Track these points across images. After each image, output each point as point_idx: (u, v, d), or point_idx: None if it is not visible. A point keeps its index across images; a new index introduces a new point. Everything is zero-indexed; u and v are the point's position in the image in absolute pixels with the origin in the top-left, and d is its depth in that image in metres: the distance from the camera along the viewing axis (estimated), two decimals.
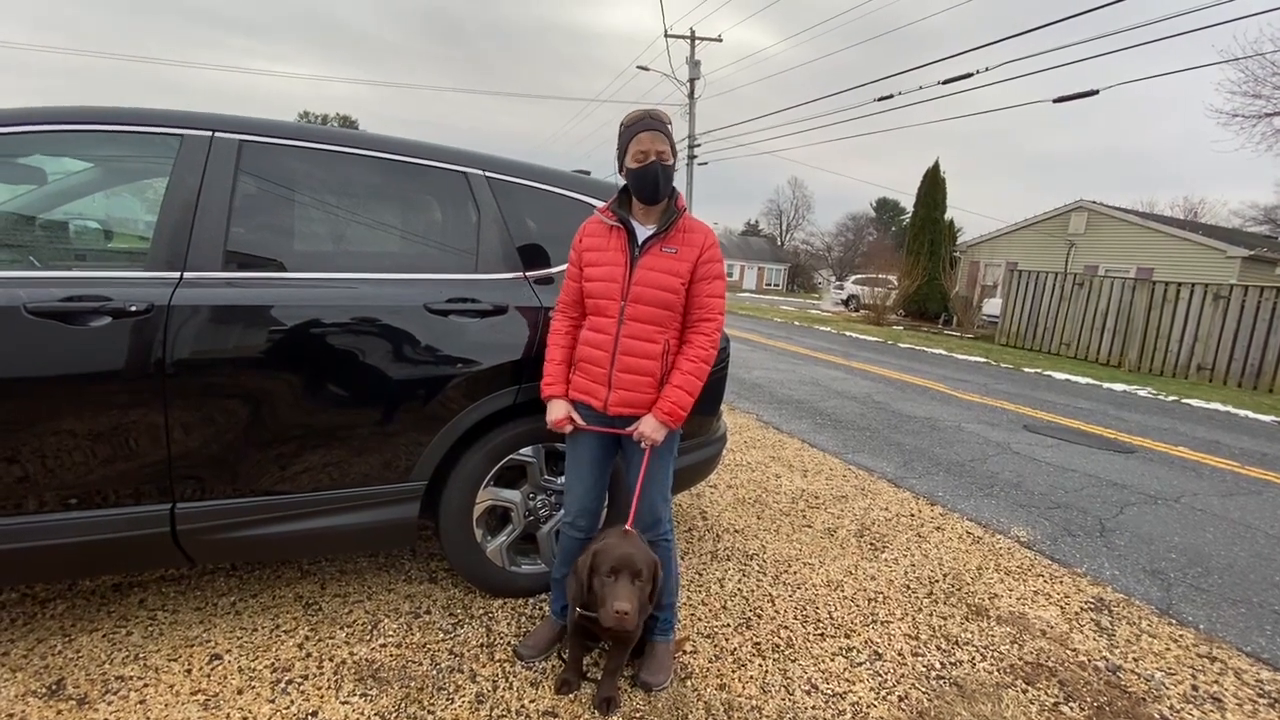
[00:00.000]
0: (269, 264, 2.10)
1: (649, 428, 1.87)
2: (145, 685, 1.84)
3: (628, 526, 1.88)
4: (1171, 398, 9.49)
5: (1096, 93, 10.97)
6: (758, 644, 2.29)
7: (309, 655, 2.03)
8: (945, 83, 12.88)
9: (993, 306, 18.85)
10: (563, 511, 2.16)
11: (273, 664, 1.98)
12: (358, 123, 58.42)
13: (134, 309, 1.78)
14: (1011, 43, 11.00)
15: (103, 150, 2.20)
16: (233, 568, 2.52)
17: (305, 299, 2.02)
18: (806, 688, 2.07)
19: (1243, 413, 8.59)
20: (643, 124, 1.85)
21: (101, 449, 1.79)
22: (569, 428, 1.98)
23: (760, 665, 2.17)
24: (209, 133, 1.98)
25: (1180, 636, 2.60)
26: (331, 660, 2.02)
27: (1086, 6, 9.75)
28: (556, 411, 1.98)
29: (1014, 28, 10.65)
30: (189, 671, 1.91)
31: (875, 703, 2.03)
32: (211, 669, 1.93)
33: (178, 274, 1.87)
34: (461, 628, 2.25)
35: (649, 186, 1.86)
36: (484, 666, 2.04)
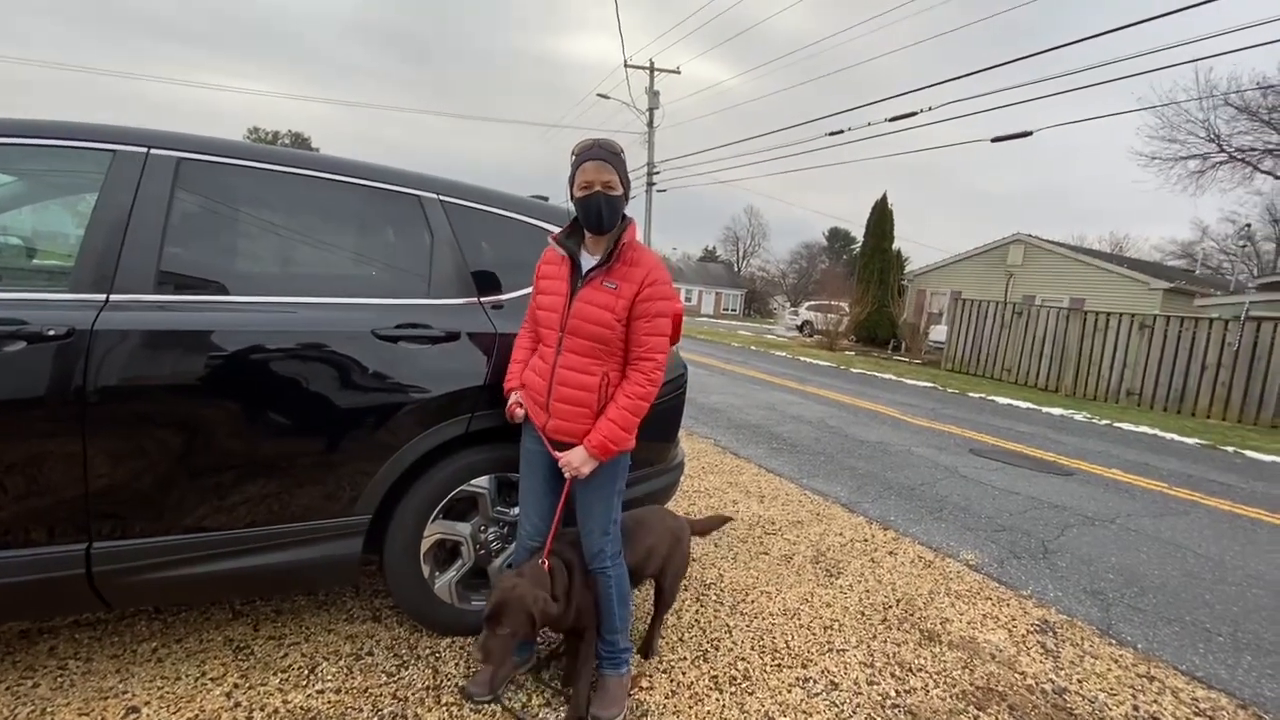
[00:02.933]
0: (209, 286, 1.99)
1: (577, 459, 1.85)
2: None
3: (543, 558, 1.92)
4: (1105, 421, 9.97)
5: (1030, 134, 11.66)
6: (715, 677, 2.25)
7: (238, 705, 1.89)
8: (892, 120, 13.48)
9: (939, 333, 19.58)
10: (515, 542, 2.11)
11: (196, 716, 1.83)
12: (310, 139, 57.24)
13: (52, 333, 1.67)
14: (953, 85, 11.62)
15: (26, 164, 2.08)
16: (156, 611, 2.34)
17: (244, 323, 1.92)
18: None
19: (1169, 435, 9.08)
20: (589, 154, 1.82)
21: (11, 483, 1.65)
22: (520, 412, 2.02)
23: (718, 699, 2.13)
24: (144, 149, 1.89)
25: (1120, 657, 2.68)
26: (263, 709, 1.88)
27: (1021, 54, 10.42)
28: (510, 401, 2.05)
29: (956, 71, 11.22)
30: None
31: None
32: None
33: (104, 296, 1.76)
34: (406, 669, 2.14)
35: (592, 216, 1.84)
36: (430, 710, 1.94)
